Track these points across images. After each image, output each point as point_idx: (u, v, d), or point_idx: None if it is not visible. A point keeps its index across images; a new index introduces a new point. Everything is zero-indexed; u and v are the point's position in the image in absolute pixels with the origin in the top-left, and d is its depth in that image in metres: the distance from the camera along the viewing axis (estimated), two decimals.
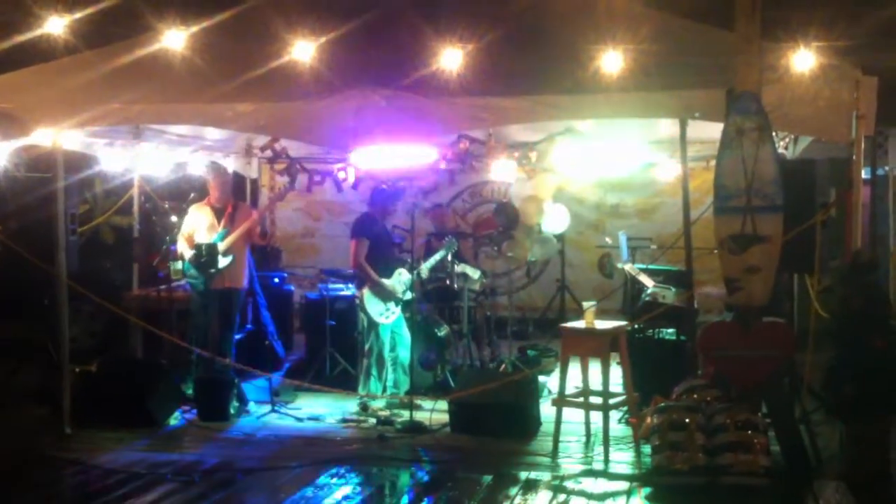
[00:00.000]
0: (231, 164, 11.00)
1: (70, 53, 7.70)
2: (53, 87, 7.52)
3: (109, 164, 9.24)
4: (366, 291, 8.28)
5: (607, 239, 11.26)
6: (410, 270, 8.56)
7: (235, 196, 9.32)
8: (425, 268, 8.80)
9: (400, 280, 8.44)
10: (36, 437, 7.50)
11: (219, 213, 8.74)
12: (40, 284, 7.90)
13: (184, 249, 8.67)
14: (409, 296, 8.53)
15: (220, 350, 8.50)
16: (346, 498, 6.15)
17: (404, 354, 8.45)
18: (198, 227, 8.70)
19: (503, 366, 9.40)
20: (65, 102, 7.40)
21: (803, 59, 6.33)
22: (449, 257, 9.04)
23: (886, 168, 11.30)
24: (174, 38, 7.14)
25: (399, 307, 8.45)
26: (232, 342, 8.78)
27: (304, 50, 6.93)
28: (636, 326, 8.11)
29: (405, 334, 8.49)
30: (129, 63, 7.34)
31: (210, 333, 8.61)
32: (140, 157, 9.45)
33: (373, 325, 8.29)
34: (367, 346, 8.39)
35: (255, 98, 7.23)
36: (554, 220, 10.80)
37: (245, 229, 8.69)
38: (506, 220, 10.54)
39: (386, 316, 8.29)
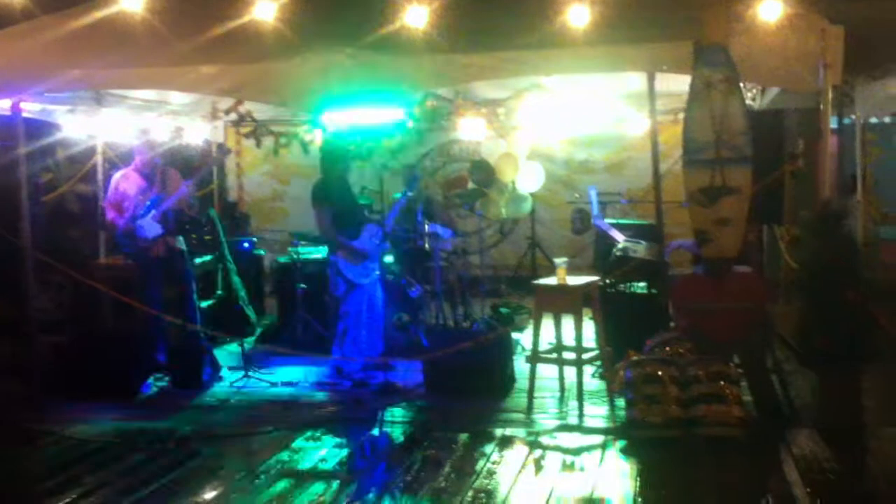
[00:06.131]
0: (196, 129, 10.86)
1: (27, 18, 7.55)
2: (12, 54, 7.37)
3: (71, 130, 9.10)
4: (340, 257, 8.14)
5: (576, 195, 11.25)
6: (379, 225, 8.43)
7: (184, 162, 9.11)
8: (389, 222, 8.65)
9: (370, 238, 8.28)
10: (8, 409, 7.43)
11: (148, 179, 8.39)
12: (5, 256, 7.77)
13: (113, 217, 8.28)
14: (383, 248, 8.41)
15: (186, 315, 8.37)
16: (322, 460, 6.14)
17: (378, 316, 8.40)
18: (128, 192, 8.31)
19: (475, 324, 9.38)
20: (24, 69, 7.28)
21: (770, 9, 6.31)
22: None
23: (853, 117, 11.31)
24: (132, 0, 7.00)
25: (375, 263, 8.31)
26: (195, 305, 8.60)
27: (265, 9, 6.83)
28: (608, 281, 8.12)
29: (378, 295, 8.43)
30: (87, 26, 7.23)
31: (171, 300, 8.42)
32: (103, 123, 9.30)
33: (351, 287, 8.16)
34: (342, 309, 8.30)
35: (218, 60, 7.14)
36: (529, 178, 10.76)
37: (178, 197, 8.36)
38: (482, 177, 10.49)
39: (365, 275, 8.15)
